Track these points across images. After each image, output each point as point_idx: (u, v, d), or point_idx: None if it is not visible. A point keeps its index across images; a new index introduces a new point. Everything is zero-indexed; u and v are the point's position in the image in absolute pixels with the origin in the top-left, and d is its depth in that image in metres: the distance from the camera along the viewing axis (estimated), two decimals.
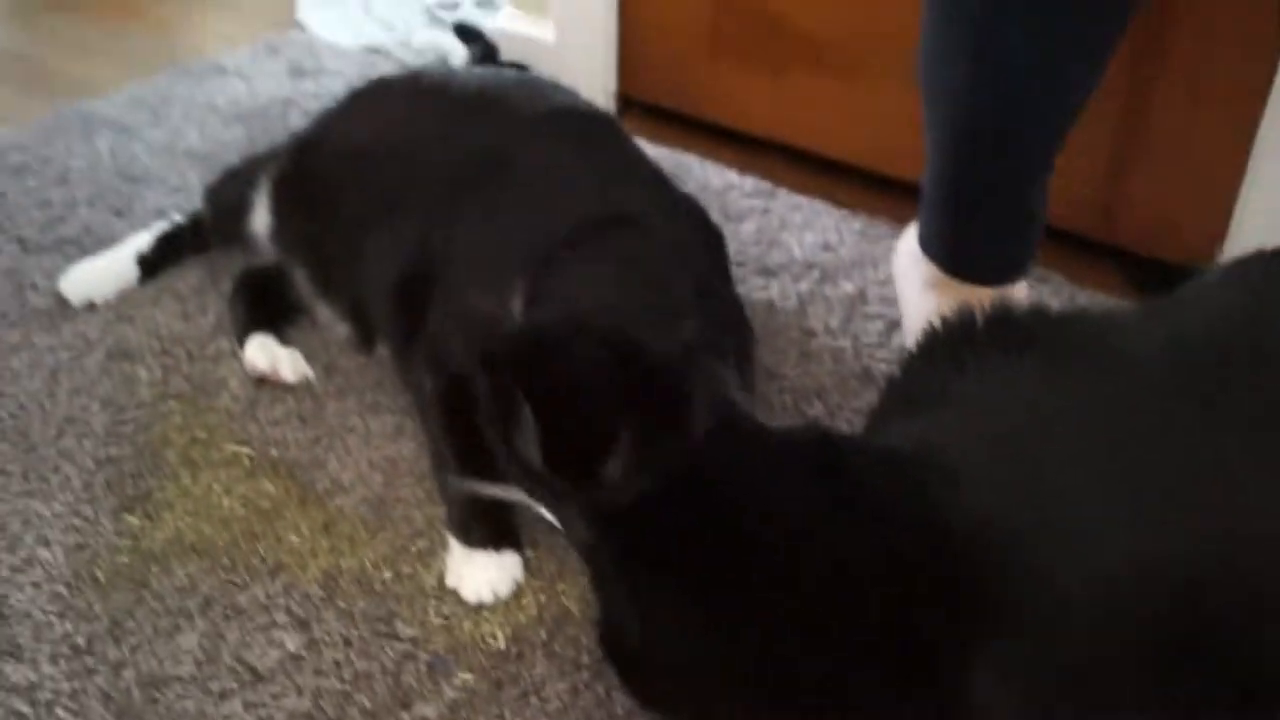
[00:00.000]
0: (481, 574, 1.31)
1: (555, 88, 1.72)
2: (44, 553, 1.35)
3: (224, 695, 1.21)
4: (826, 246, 1.87)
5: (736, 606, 1.01)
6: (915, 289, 1.60)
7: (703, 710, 1.10)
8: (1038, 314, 1.20)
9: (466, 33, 2.25)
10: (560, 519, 1.17)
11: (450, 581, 1.32)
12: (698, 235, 1.54)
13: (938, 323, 1.20)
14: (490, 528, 1.33)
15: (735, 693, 1.04)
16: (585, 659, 1.25)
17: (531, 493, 1.21)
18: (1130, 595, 0.94)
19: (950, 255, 1.55)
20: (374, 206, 1.54)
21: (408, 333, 1.47)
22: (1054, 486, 1.00)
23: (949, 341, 1.20)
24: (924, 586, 0.96)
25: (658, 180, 1.60)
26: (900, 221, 1.91)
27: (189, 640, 1.26)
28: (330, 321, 1.65)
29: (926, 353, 1.22)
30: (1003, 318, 1.18)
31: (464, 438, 1.35)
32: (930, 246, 1.56)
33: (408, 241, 1.49)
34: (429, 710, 1.20)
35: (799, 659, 0.99)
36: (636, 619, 1.07)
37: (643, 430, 1.09)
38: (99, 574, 1.33)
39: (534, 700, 1.21)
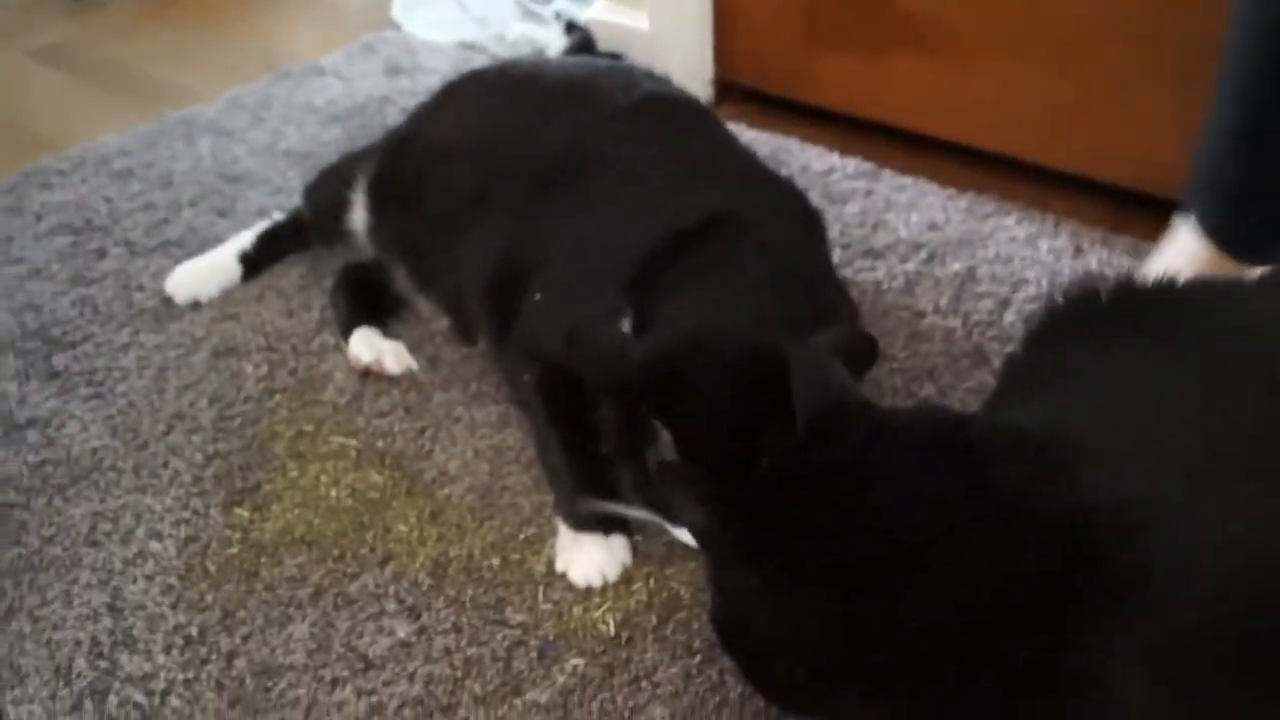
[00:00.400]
0: (590, 558, 1.30)
1: (647, 75, 1.70)
2: (156, 546, 1.36)
3: (336, 683, 1.20)
4: (933, 226, 1.82)
5: (862, 593, 0.96)
6: (1172, 243, 1.55)
7: (828, 703, 1.05)
8: (1163, 287, 1.15)
9: (571, 26, 2.26)
10: (682, 516, 1.15)
11: (559, 566, 1.31)
12: (795, 221, 1.51)
13: (1062, 296, 1.18)
14: (600, 512, 1.31)
15: (860, 683, 0.99)
16: (697, 644, 1.23)
17: (653, 503, 1.22)
18: (1256, 570, 0.90)
19: (1215, 220, 1.50)
20: (466, 202, 1.53)
21: (502, 328, 1.45)
22: (1184, 465, 0.95)
23: (1072, 317, 1.17)
24: (1062, 569, 0.91)
25: (751, 167, 1.57)
26: (1008, 199, 1.87)
27: (300, 629, 1.26)
28: (433, 314, 1.65)
29: (1048, 329, 1.19)
30: (1127, 292, 1.14)
31: (568, 424, 1.34)
32: (1196, 205, 1.51)
33: (499, 238, 1.48)
34: (541, 696, 1.18)
35: (929, 646, 0.94)
36: (759, 609, 1.02)
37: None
38: (210, 566, 1.33)
39: (645, 685, 1.19)
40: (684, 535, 1.21)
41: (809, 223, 1.53)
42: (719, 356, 1.19)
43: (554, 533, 1.34)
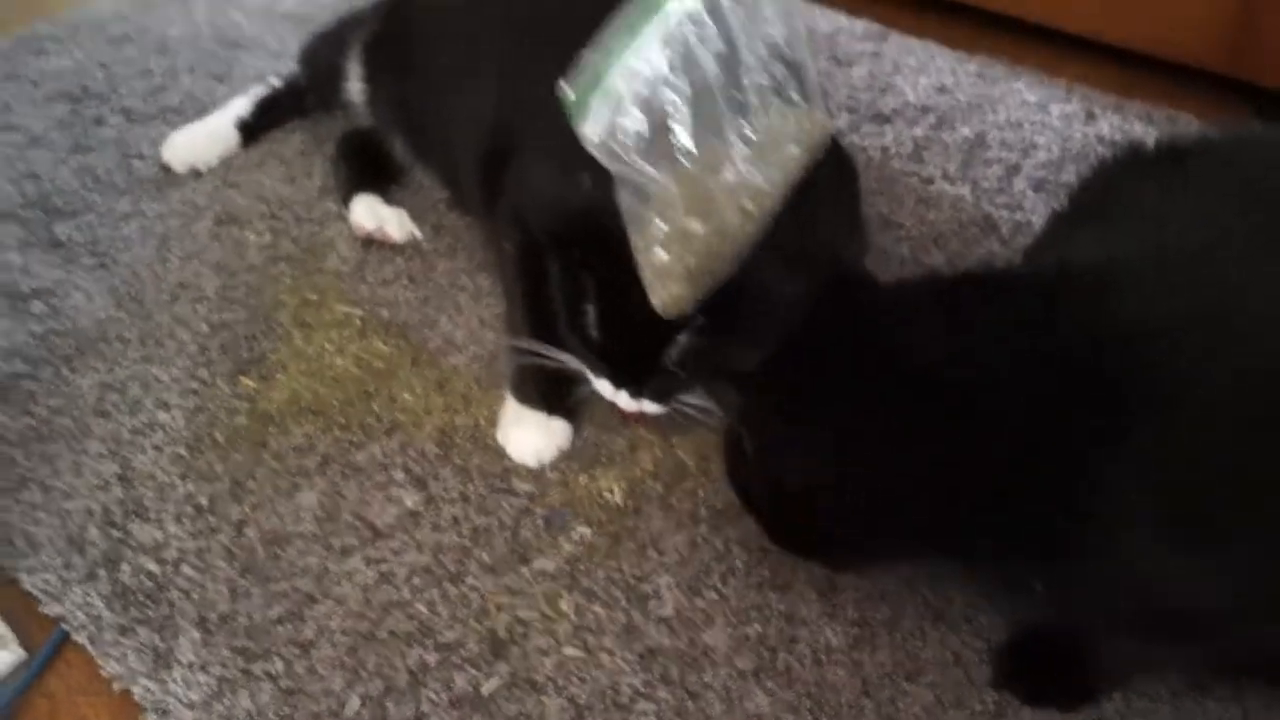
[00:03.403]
0: (527, 436, 1.30)
1: None
2: (164, 416, 1.36)
3: (345, 551, 1.22)
4: (942, 89, 1.79)
5: (871, 439, 1.01)
6: None
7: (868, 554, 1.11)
8: (1207, 138, 1.21)
9: None
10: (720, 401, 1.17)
11: (498, 437, 1.31)
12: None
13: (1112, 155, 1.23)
14: (544, 389, 1.31)
15: (879, 521, 1.04)
16: (702, 512, 1.24)
17: (594, 369, 1.21)
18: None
19: None
20: (459, 69, 1.50)
21: (492, 199, 1.43)
22: (1214, 290, 0.97)
23: (1120, 165, 1.22)
24: (1064, 404, 0.95)
25: None
26: (1019, 62, 1.84)
27: (309, 498, 1.27)
28: (435, 181, 1.63)
29: (1096, 179, 1.25)
30: (1173, 144, 1.19)
31: (537, 302, 1.30)
32: None
33: (489, 106, 1.43)
34: (548, 564, 1.19)
35: (940, 485, 0.99)
36: (787, 464, 1.07)
37: (712, 321, 1.10)
38: (218, 435, 1.34)
39: (652, 553, 1.20)
40: (605, 389, 1.21)
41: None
42: None
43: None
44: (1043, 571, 0.99)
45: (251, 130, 1.74)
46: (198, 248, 1.58)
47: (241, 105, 1.75)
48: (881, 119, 1.74)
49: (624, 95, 1.04)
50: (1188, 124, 1.72)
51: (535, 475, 1.28)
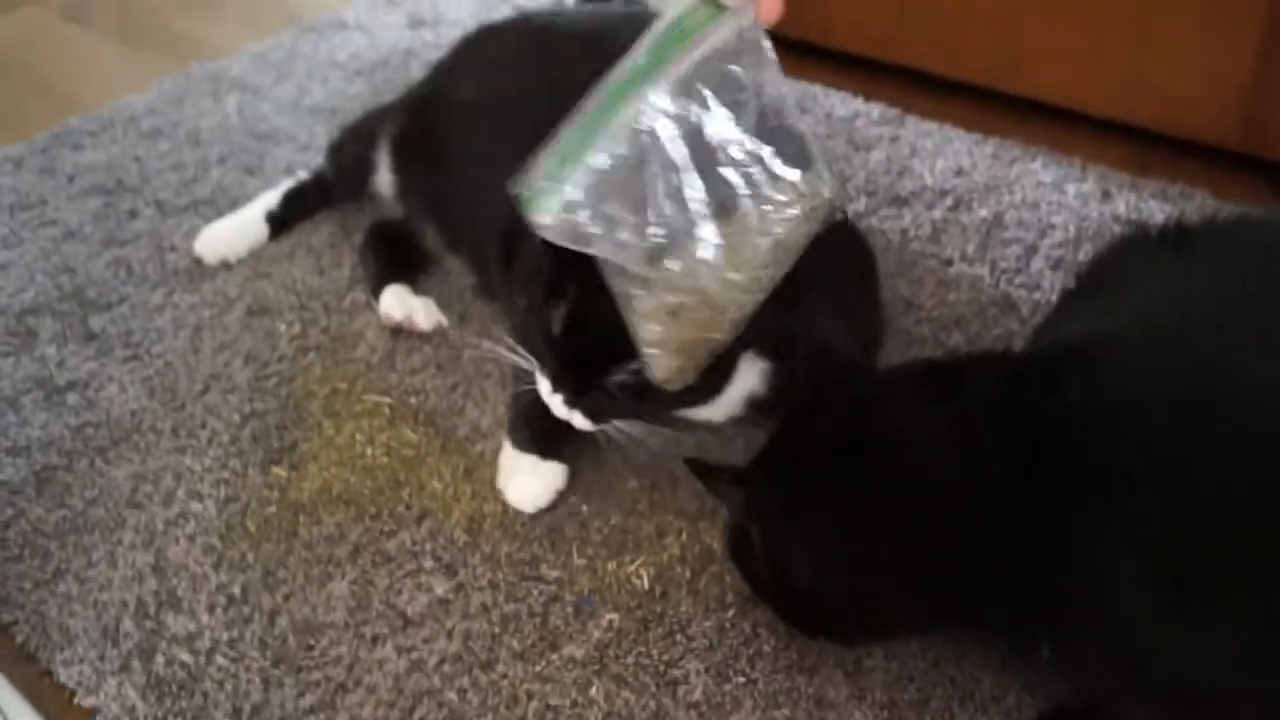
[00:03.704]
0: (526, 482, 1.34)
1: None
2: (196, 506, 1.38)
3: (376, 640, 1.23)
4: (959, 172, 1.82)
5: (868, 519, 1.05)
6: None
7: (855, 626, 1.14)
8: (1209, 220, 1.24)
9: None
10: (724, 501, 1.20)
11: (499, 483, 1.36)
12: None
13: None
14: (538, 433, 1.35)
15: (885, 599, 1.08)
16: (730, 597, 1.25)
17: (543, 365, 1.24)
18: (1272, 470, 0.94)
19: None
20: (485, 160, 1.53)
21: (509, 274, 1.45)
22: (1214, 366, 0.99)
23: (1124, 246, 1.26)
24: (1055, 464, 0.98)
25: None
26: (1034, 143, 1.86)
27: (340, 587, 1.28)
28: (462, 270, 1.66)
29: (1100, 260, 1.29)
30: (1176, 225, 1.22)
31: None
32: None
33: (508, 196, 1.47)
34: (577, 651, 1.20)
35: (941, 559, 1.03)
36: (793, 554, 1.10)
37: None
38: (250, 525, 1.36)
39: (680, 639, 1.21)
40: (544, 388, 1.24)
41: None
42: None
43: (585, 484, 1.37)
44: (1050, 640, 1.01)
45: (281, 222, 1.78)
46: (229, 338, 1.61)
47: (271, 198, 1.79)
48: (900, 202, 1.76)
49: (580, 187, 1.06)
50: (1203, 201, 1.73)
51: (563, 562, 1.29)
